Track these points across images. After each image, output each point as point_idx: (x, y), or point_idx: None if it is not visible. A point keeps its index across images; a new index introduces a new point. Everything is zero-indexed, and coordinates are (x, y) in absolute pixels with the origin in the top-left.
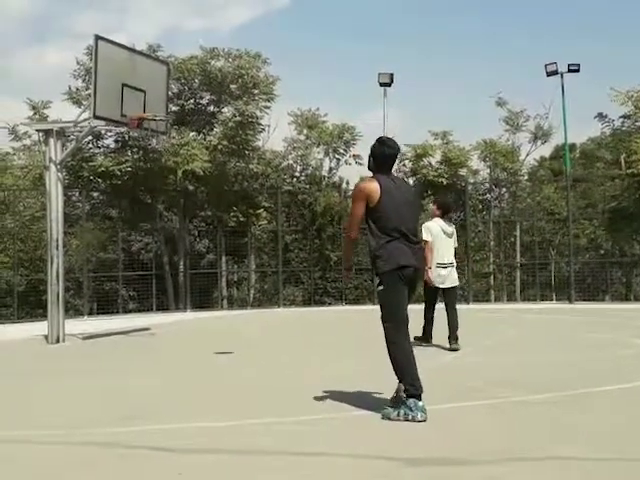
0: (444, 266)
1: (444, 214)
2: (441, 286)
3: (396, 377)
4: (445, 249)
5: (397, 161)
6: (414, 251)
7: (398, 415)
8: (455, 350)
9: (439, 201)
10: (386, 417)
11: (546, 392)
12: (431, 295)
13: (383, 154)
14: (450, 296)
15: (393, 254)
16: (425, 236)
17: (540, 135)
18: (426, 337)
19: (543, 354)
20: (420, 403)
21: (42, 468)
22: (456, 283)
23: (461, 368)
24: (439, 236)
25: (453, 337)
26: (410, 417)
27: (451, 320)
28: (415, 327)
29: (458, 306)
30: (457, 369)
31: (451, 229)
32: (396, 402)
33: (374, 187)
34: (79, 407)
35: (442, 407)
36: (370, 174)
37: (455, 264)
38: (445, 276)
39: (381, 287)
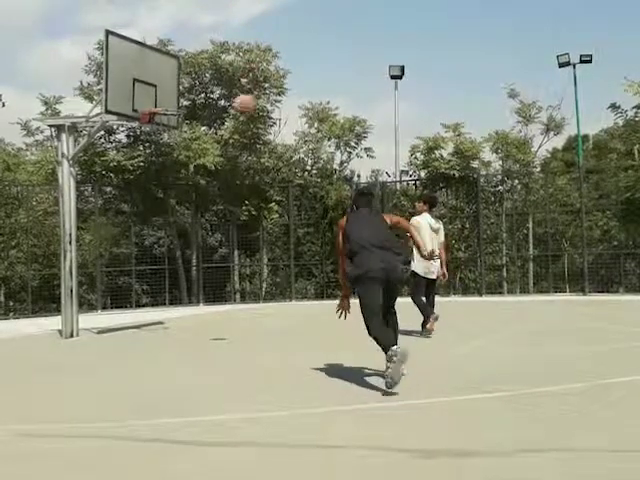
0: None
1: (431, 208)
2: (429, 277)
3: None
4: (430, 243)
5: (409, 154)
6: (380, 255)
7: (389, 373)
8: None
9: (425, 196)
10: (392, 384)
11: (561, 384)
12: (422, 285)
13: (356, 193)
14: (433, 286)
15: (360, 262)
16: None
17: (552, 126)
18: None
19: (557, 346)
20: (393, 347)
21: (61, 461)
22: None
23: (476, 359)
24: (426, 230)
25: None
26: (394, 360)
27: (431, 305)
28: (417, 318)
29: (471, 298)
30: (472, 361)
31: (438, 225)
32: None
33: (342, 220)
34: (94, 401)
35: (457, 399)
36: None
37: (438, 258)
38: (433, 267)
39: (357, 289)
